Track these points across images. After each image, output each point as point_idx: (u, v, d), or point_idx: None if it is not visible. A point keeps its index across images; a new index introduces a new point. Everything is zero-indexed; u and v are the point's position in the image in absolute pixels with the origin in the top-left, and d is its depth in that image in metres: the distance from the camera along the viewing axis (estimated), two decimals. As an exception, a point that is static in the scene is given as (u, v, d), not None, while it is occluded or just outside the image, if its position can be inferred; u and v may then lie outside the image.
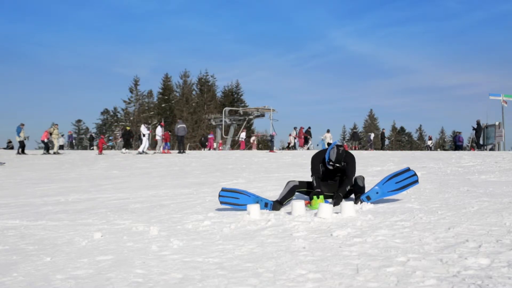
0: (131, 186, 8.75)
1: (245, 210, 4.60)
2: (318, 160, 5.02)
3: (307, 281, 2.16)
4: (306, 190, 5.04)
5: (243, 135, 32.54)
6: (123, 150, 22.90)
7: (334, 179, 5.03)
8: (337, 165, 4.79)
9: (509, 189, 5.35)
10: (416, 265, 2.31)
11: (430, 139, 36.08)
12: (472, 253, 2.47)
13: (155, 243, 3.23)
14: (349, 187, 4.89)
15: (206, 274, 2.37)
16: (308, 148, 27.80)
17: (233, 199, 4.75)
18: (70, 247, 3.28)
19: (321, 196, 4.58)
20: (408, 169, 4.63)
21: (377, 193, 4.57)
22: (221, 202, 4.79)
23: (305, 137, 28.38)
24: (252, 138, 33.24)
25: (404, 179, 4.57)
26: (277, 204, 4.69)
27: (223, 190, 4.82)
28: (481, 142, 26.79)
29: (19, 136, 23.12)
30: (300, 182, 5.02)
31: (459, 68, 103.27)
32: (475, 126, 25.78)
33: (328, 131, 28.63)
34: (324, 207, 3.87)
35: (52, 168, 14.96)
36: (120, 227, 4.08)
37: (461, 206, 4.15)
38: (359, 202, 4.49)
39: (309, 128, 29.39)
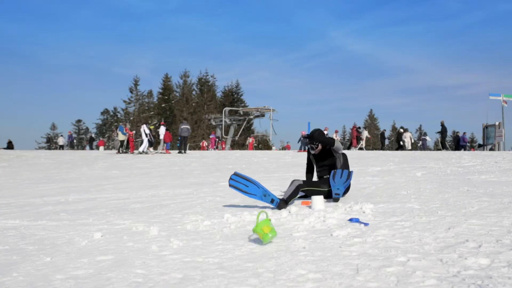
0: (131, 186, 8.74)
1: (251, 198, 4.74)
2: (308, 158, 5.50)
3: (307, 281, 2.16)
4: (310, 189, 5.10)
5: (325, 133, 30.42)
6: (152, 149, 22.85)
7: (324, 171, 5.31)
8: (311, 142, 5.27)
9: (509, 189, 5.35)
10: (416, 265, 2.31)
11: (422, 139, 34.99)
12: (472, 253, 2.47)
13: (155, 243, 3.23)
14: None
15: (206, 274, 2.37)
16: (360, 148, 27.15)
17: (242, 185, 4.67)
18: (70, 247, 3.28)
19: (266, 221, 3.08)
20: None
21: (338, 189, 4.84)
22: (230, 185, 4.72)
23: (357, 137, 27.73)
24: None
25: (343, 174, 4.93)
26: (283, 203, 4.66)
27: (235, 174, 4.73)
28: (473, 144, 26.72)
29: (123, 135, 23.27)
30: (304, 181, 5.07)
31: (459, 68, 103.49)
32: (440, 128, 25.79)
33: (406, 130, 27.59)
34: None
35: (52, 168, 14.95)
36: (120, 227, 4.07)
37: (461, 206, 4.16)
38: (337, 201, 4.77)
39: (359, 127, 29.21)
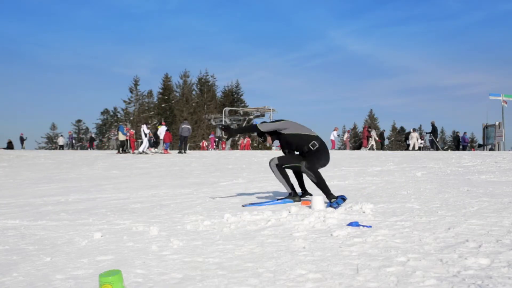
0: (131, 186, 8.74)
1: (271, 205, 4.96)
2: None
3: (307, 281, 2.16)
4: (287, 165, 5.04)
5: (335, 133, 28.52)
6: (153, 149, 22.80)
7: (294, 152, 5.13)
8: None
9: (509, 189, 5.36)
10: (416, 265, 2.31)
11: (422, 138, 34.49)
12: (472, 253, 2.47)
13: (155, 243, 3.23)
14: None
15: (206, 274, 2.37)
16: (371, 148, 27.08)
17: (256, 204, 5.10)
18: (70, 247, 3.28)
19: None
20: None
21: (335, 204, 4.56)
22: (244, 206, 5.05)
23: (367, 137, 27.68)
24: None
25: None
26: (296, 197, 5.03)
27: (244, 206, 5.03)
28: (462, 143, 26.81)
29: (124, 135, 23.05)
30: (278, 158, 5.07)
31: (459, 68, 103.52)
32: (431, 129, 25.85)
33: (414, 130, 27.61)
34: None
35: (52, 168, 14.95)
36: (120, 227, 4.07)
37: (461, 206, 4.16)
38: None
39: (369, 128, 29.28)
